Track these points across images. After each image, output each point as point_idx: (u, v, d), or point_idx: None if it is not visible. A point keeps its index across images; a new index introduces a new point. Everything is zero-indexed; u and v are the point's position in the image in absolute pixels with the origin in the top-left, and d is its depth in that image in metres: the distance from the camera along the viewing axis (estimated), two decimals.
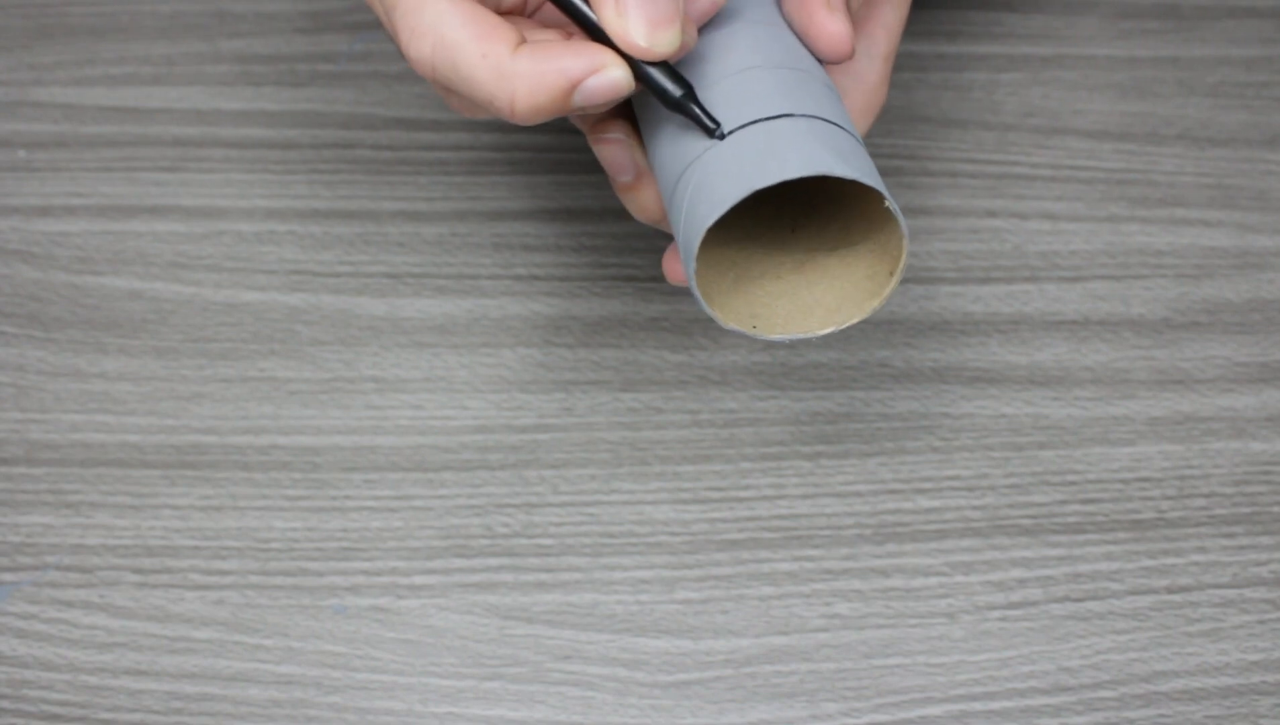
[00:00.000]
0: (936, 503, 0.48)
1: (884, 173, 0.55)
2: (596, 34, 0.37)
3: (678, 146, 0.38)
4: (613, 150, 0.41)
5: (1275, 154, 0.56)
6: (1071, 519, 0.48)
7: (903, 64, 0.58)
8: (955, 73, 0.58)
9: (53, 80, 0.57)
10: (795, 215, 0.42)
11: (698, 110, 0.37)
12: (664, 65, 0.37)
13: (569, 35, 0.38)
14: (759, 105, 0.37)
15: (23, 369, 0.50)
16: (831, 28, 0.39)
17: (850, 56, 0.40)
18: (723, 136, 0.37)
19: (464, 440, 0.49)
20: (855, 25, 0.43)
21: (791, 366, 0.50)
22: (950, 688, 0.45)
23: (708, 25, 0.40)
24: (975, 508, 0.48)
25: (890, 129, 0.57)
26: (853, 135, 0.38)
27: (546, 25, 0.40)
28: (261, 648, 0.45)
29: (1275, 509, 0.48)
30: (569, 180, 0.55)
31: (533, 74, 0.35)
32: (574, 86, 0.36)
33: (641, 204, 0.42)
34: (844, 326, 0.39)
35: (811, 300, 0.40)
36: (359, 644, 0.45)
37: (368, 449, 0.49)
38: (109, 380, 0.50)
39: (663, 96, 0.37)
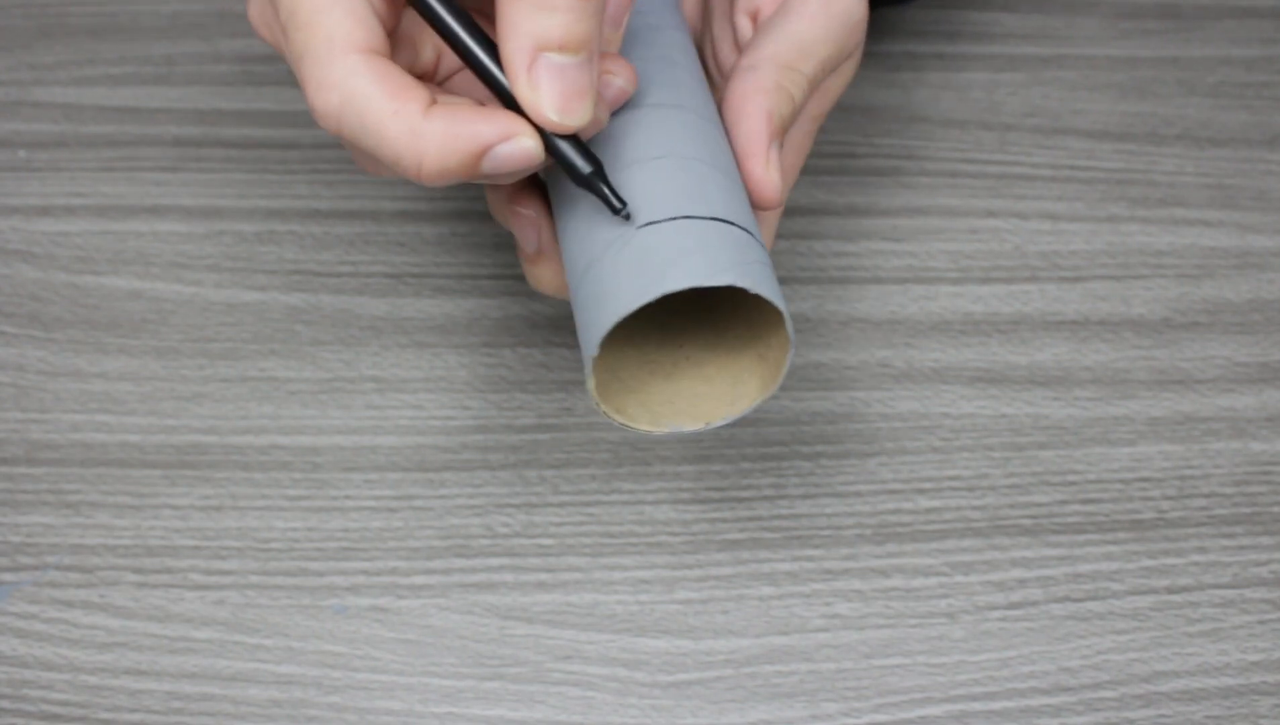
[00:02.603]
0: (936, 503, 0.48)
1: (884, 173, 0.55)
2: (510, 103, 0.36)
3: (586, 234, 0.38)
4: (522, 223, 0.41)
5: (1275, 154, 0.56)
6: (1071, 519, 0.48)
7: (903, 64, 0.58)
8: (955, 73, 0.58)
9: (53, 80, 0.57)
10: (691, 310, 0.42)
11: (605, 189, 0.37)
12: (574, 140, 0.36)
13: (481, 105, 0.38)
14: (663, 203, 0.37)
15: (23, 369, 0.50)
16: (766, 182, 0.40)
17: (776, 206, 0.40)
18: (628, 217, 0.37)
19: (464, 440, 0.49)
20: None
21: (792, 367, 0.50)
22: (950, 688, 0.45)
23: (624, 106, 0.39)
24: (975, 508, 0.48)
25: (890, 129, 0.57)
26: (753, 236, 0.38)
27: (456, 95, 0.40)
28: (261, 648, 0.45)
29: (1275, 509, 0.48)
30: None
31: (445, 135, 0.35)
32: (485, 151, 0.35)
33: (539, 276, 0.42)
34: (712, 425, 0.40)
35: (692, 394, 0.40)
36: (359, 644, 0.45)
37: (368, 449, 0.49)
38: (109, 380, 0.50)
39: (571, 172, 0.37)
